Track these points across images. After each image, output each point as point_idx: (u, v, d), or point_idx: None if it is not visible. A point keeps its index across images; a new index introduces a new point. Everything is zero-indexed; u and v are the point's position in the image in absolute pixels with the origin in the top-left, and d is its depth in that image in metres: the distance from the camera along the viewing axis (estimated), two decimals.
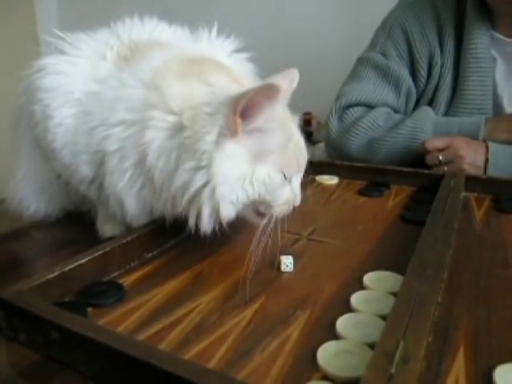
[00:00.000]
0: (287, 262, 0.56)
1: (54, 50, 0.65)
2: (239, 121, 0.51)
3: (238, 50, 0.72)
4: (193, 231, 0.55)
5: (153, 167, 0.55)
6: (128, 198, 0.59)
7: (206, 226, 0.55)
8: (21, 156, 0.72)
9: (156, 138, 0.54)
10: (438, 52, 1.08)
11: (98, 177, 0.63)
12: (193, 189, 0.52)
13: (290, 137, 0.57)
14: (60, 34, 0.66)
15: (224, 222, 0.55)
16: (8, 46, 2.74)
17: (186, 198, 0.53)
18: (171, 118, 0.54)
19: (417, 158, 1.01)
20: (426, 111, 1.06)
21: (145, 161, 0.55)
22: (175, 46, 0.66)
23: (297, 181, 0.60)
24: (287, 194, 0.58)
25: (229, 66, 0.62)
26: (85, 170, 0.63)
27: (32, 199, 0.72)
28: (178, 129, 0.53)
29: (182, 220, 0.56)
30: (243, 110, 0.50)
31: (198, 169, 0.52)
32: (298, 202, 0.60)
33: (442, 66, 1.07)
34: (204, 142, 0.51)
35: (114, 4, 2.73)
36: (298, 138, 0.59)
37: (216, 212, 0.53)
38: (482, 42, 1.01)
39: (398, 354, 0.34)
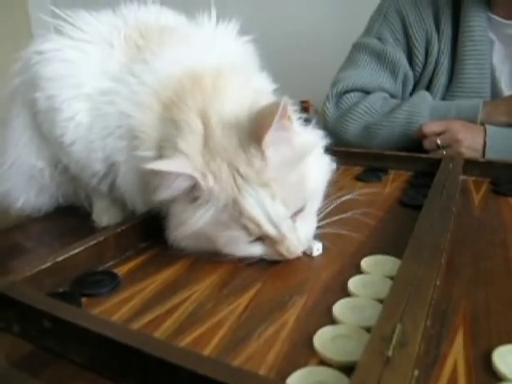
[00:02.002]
0: (318, 246, 0.55)
1: (53, 30, 0.63)
2: None
3: (239, 33, 0.71)
4: None
5: None
6: (138, 198, 0.59)
7: None
8: (10, 142, 0.69)
9: None
10: (434, 36, 1.06)
11: (111, 172, 0.62)
12: None
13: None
14: (58, 11, 0.62)
15: None
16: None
17: None
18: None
19: (414, 143, 1.00)
20: (422, 95, 1.04)
21: None
22: (184, 33, 0.64)
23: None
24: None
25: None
26: (97, 166, 0.62)
27: (20, 190, 0.70)
28: None
29: None
30: None
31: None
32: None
33: (438, 50, 1.06)
34: None
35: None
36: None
37: None
38: (479, 24, 1.00)
39: (395, 337, 0.34)
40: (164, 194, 0.50)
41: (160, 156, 0.52)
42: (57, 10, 0.63)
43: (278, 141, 0.51)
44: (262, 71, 0.66)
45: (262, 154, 0.50)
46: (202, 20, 0.68)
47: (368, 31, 1.17)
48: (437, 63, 1.07)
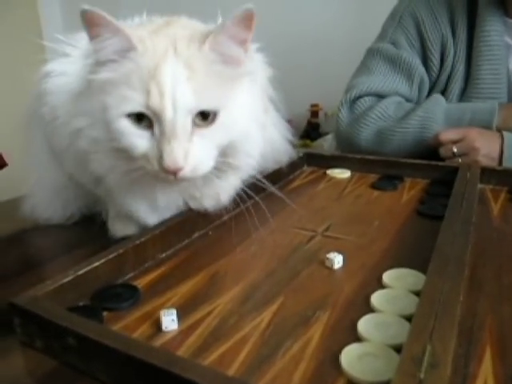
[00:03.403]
0: (338, 259, 0.55)
1: (59, 54, 0.65)
2: None
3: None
4: None
5: None
6: None
7: None
8: (33, 162, 0.72)
9: None
10: (450, 41, 1.05)
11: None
12: None
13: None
14: (61, 37, 0.65)
15: None
16: (11, 45, 2.75)
17: None
18: None
19: (428, 149, 0.99)
20: (436, 99, 1.04)
21: None
22: None
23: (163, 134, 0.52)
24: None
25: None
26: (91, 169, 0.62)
27: (47, 204, 0.72)
28: None
29: None
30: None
31: None
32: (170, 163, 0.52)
33: (454, 54, 1.05)
34: None
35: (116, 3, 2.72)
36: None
37: None
38: (496, 29, 0.99)
39: (425, 358, 0.33)
40: (99, 45, 0.52)
41: None
42: (60, 37, 0.65)
43: (225, 46, 0.54)
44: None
45: (202, 45, 0.53)
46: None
47: (382, 36, 1.16)
48: (452, 68, 1.06)
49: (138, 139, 0.53)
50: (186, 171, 0.52)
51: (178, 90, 0.51)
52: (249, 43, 0.56)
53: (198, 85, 0.52)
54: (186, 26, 0.58)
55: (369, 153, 0.99)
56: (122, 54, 0.52)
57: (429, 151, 0.99)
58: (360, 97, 1.10)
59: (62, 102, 0.61)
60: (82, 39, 0.65)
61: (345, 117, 1.10)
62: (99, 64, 0.53)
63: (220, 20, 0.58)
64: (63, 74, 0.62)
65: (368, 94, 1.10)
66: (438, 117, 0.99)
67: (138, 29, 0.57)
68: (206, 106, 0.53)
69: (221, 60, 0.54)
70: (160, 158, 0.52)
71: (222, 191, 0.63)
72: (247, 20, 0.52)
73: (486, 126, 0.95)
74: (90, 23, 0.50)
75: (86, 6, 0.49)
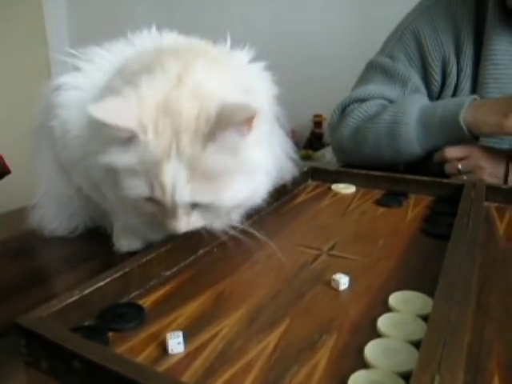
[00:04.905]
0: (344, 281, 0.54)
1: (70, 67, 0.66)
2: None
3: (253, 60, 0.71)
4: None
5: None
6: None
7: None
8: (40, 173, 0.73)
9: None
10: (452, 59, 1.06)
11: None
12: None
13: None
14: (74, 51, 0.66)
15: None
16: (16, 47, 2.77)
17: None
18: None
19: (408, 151, 1.02)
20: (412, 97, 1.06)
21: None
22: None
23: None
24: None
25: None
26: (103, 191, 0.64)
27: (53, 216, 0.73)
28: None
29: None
30: None
31: None
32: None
33: (458, 72, 1.06)
34: None
35: (120, 4, 2.74)
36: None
37: None
38: (503, 48, 0.99)
39: None
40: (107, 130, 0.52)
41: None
42: (72, 51, 0.66)
43: (227, 144, 0.53)
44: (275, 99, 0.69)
45: (206, 145, 0.52)
46: (217, 46, 0.68)
47: (381, 50, 1.18)
48: (457, 85, 1.06)
49: (147, 205, 0.56)
50: (185, 230, 0.57)
51: (177, 190, 0.53)
52: (250, 135, 0.55)
53: (197, 185, 0.53)
54: (197, 93, 0.55)
55: (351, 154, 1.03)
56: (126, 142, 0.53)
57: (417, 160, 1.01)
58: (350, 103, 1.13)
59: (74, 117, 0.62)
60: (94, 55, 0.66)
61: (334, 122, 1.13)
62: (105, 143, 0.54)
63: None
64: (75, 88, 0.63)
65: (357, 100, 1.12)
66: (410, 112, 1.00)
67: (144, 98, 0.54)
68: (204, 201, 0.55)
69: (222, 154, 0.53)
70: (164, 219, 0.56)
71: (233, 215, 0.64)
72: (250, 121, 0.52)
73: (454, 120, 0.93)
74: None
75: (93, 109, 0.50)
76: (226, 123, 0.52)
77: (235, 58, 0.67)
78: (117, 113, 0.51)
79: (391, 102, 1.10)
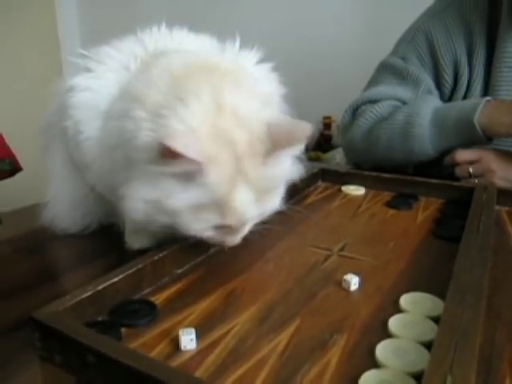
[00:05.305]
0: (355, 281, 0.55)
1: (82, 68, 0.66)
2: None
3: (261, 61, 0.72)
4: None
5: None
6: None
7: None
8: (53, 174, 0.73)
9: None
10: (464, 61, 1.06)
11: None
12: None
13: None
14: (84, 52, 0.67)
15: None
16: (28, 48, 2.80)
17: None
18: None
19: (423, 155, 1.02)
20: (426, 98, 1.05)
21: None
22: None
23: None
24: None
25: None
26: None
27: (66, 215, 0.73)
28: None
29: None
30: None
31: None
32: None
33: (470, 73, 1.06)
34: None
35: (132, 4, 2.75)
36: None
37: None
38: None
39: None
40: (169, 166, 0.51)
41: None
42: (82, 51, 0.67)
43: (280, 159, 0.56)
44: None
45: (266, 165, 0.54)
46: (226, 46, 0.69)
47: (393, 52, 1.18)
48: (468, 87, 1.06)
49: (208, 231, 0.56)
50: None
51: (248, 212, 0.55)
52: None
53: (263, 202, 0.56)
54: (237, 118, 0.54)
55: (364, 155, 1.03)
56: (189, 176, 0.51)
57: (429, 161, 1.00)
58: (362, 104, 1.13)
59: (87, 118, 0.62)
60: (105, 55, 0.66)
61: (346, 122, 1.13)
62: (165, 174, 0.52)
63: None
64: (88, 90, 0.63)
65: (369, 101, 1.12)
66: (424, 113, 1.00)
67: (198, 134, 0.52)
68: (264, 214, 0.60)
69: (277, 169, 0.57)
70: (223, 238, 0.58)
71: None
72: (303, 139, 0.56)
73: (468, 121, 0.93)
74: (168, 155, 0.49)
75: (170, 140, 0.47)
76: (285, 143, 0.54)
77: (246, 68, 0.67)
78: (189, 145, 0.49)
79: (403, 103, 1.10)
